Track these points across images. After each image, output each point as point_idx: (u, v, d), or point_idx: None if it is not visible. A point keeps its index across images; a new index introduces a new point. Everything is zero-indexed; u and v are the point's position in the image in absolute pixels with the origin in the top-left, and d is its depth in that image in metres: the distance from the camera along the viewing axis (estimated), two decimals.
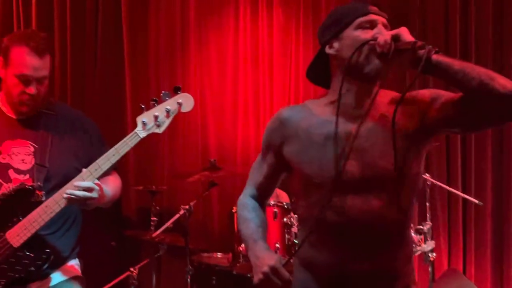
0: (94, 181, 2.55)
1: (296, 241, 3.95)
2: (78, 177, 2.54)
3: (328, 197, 1.93)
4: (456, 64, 1.79)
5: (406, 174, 1.95)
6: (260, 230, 2.17)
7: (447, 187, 4.61)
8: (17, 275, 2.57)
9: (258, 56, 5.30)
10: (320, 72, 2.17)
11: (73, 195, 2.50)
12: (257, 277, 1.94)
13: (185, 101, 2.66)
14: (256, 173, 2.29)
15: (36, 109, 2.75)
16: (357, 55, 1.95)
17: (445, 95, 1.93)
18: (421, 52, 1.80)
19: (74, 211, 2.80)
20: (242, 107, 5.32)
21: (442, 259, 5.07)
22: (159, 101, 2.65)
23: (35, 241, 2.58)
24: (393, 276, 2.01)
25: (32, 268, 2.58)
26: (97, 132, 2.94)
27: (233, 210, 4.14)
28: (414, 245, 4.01)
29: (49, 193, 2.60)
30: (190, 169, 5.06)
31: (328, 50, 2.07)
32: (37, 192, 2.61)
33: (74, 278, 2.79)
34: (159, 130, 2.65)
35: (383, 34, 1.91)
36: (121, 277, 4.48)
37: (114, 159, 2.59)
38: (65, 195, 2.50)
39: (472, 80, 1.75)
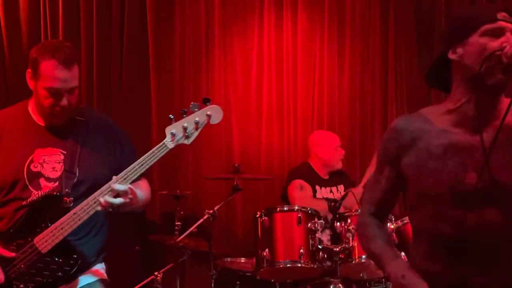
0: (127, 185, 2.56)
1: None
2: (106, 185, 2.54)
3: (442, 210, 1.89)
4: None
5: None
6: (393, 247, 2.12)
7: None
8: (45, 280, 2.59)
9: (282, 62, 5.31)
10: (441, 76, 2.09)
11: (110, 202, 2.51)
12: None
13: (214, 113, 2.65)
14: (374, 189, 2.19)
15: (67, 118, 2.76)
16: (481, 65, 1.87)
17: None
18: None
19: (101, 218, 2.82)
20: (266, 112, 5.32)
21: None
22: (188, 112, 2.64)
23: (63, 247, 2.59)
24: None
25: (60, 274, 2.59)
26: (126, 138, 2.95)
27: (257, 215, 4.13)
28: None
29: (78, 199, 2.61)
30: (214, 174, 5.07)
31: (451, 55, 1.99)
32: (65, 198, 2.62)
33: (100, 281, 2.80)
34: (187, 142, 2.64)
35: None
36: (145, 281, 4.49)
37: (141, 169, 2.59)
38: (102, 201, 2.50)
39: None
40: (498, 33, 1.90)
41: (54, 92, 2.62)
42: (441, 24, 5.27)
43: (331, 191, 4.75)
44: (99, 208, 2.52)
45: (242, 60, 5.34)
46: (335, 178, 4.87)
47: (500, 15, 1.92)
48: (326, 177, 4.85)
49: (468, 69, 1.93)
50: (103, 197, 2.50)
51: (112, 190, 2.51)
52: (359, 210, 3.92)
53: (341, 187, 4.79)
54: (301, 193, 4.63)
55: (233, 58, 5.34)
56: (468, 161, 1.89)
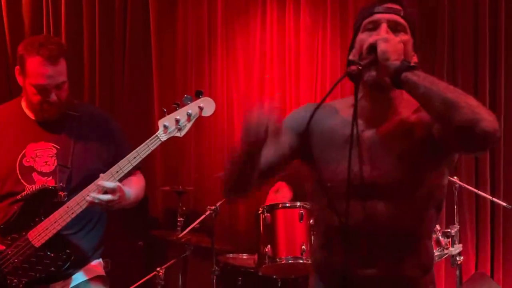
0: (116, 183, 2.55)
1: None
2: (99, 179, 2.54)
3: (336, 201, 1.87)
4: (422, 86, 1.70)
5: (419, 184, 1.87)
6: None
7: (476, 190, 4.55)
8: (37, 275, 2.59)
9: (284, 59, 5.29)
10: None
11: (96, 198, 2.50)
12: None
13: (206, 105, 2.67)
14: (270, 144, 2.03)
15: (59, 113, 2.75)
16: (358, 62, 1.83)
17: None
18: (389, 69, 1.74)
19: (97, 212, 2.81)
20: None
21: (470, 263, 5.01)
22: (181, 105, 2.66)
23: (57, 241, 2.59)
24: (404, 285, 1.93)
25: (53, 268, 2.59)
26: (121, 132, 2.95)
27: (259, 212, 4.12)
28: (441, 249, 3.96)
29: (72, 193, 2.62)
30: (217, 170, 5.05)
31: (350, 57, 1.98)
32: (60, 192, 2.63)
33: (97, 277, 2.80)
34: (180, 134, 2.66)
35: (371, 38, 1.82)
36: (148, 277, 4.49)
37: (135, 162, 2.61)
38: (88, 198, 2.50)
39: (434, 107, 1.69)
40: (375, 26, 1.88)
41: (41, 89, 2.63)
42: (444, 22, 5.24)
43: None
44: (86, 204, 2.52)
45: (245, 56, 5.32)
46: None
47: (379, 8, 1.89)
48: None
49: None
50: (91, 194, 2.50)
51: (100, 187, 2.51)
52: None
53: None
54: (275, 196, 4.62)
55: (236, 54, 5.32)
56: (362, 154, 1.89)
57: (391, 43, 1.77)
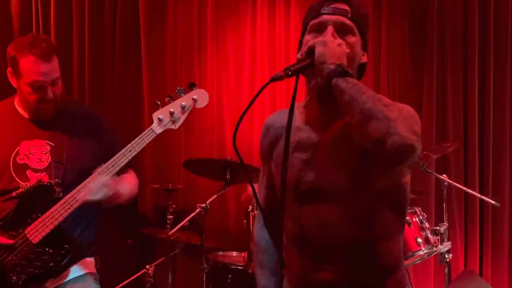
0: (110, 177, 2.56)
1: None
2: (95, 173, 2.55)
3: (283, 206, 1.82)
4: (348, 94, 1.67)
5: (366, 187, 1.83)
6: (272, 276, 2.12)
7: (464, 188, 4.58)
8: (36, 271, 2.59)
9: (275, 55, 5.29)
10: None
11: (86, 201, 2.52)
12: None
13: (200, 97, 2.69)
14: (260, 187, 2.21)
15: (55, 111, 2.75)
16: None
17: None
18: (328, 76, 1.72)
19: (92, 210, 2.81)
20: (258, 106, 5.30)
21: (459, 260, 5.04)
22: (174, 98, 2.69)
23: (55, 237, 2.60)
24: (358, 286, 1.90)
25: (51, 264, 2.60)
26: (113, 129, 2.96)
27: (249, 209, 4.12)
28: (430, 247, 3.96)
29: (67, 189, 2.62)
30: (207, 167, 5.05)
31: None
32: (55, 188, 2.63)
33: (88, 274, 2.80)
34: (175, 126, 2.69)
35: (311, 41, 1.79)
36: (137, 274, 4.49)
37: (130, 155, 2.63)
38: (80, 202, 2.52)
39: (353, 116, 1.69)
40: (321, 27, 1.85)
41: (37, 87, 2.64)
42: (434, 20, 5.26)
43: None
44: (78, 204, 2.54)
45: (235, 54, 5.32)
46: None
47: (326, 9, 1.86)
48: None
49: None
50: (78, 196, 2.53)
51: (96, 181, 2.53)
52: None
53: None
54: None
55: (226, 51, 5.32)
56: (308, 159, 1.88)
57: (329, 46, 1.73)
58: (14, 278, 2.57)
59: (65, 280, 2.71)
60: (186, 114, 2.68)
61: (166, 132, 2.70)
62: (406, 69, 5.36)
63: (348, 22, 1.86)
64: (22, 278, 2.57)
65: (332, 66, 1.71)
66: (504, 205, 5.24)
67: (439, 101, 5.18)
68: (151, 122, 2.69)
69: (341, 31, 1.84)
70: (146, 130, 2.65)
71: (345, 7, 1.87)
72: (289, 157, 1.84)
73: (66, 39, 5.03)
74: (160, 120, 2.65)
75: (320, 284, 1.88)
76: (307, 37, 1.87)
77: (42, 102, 2.67)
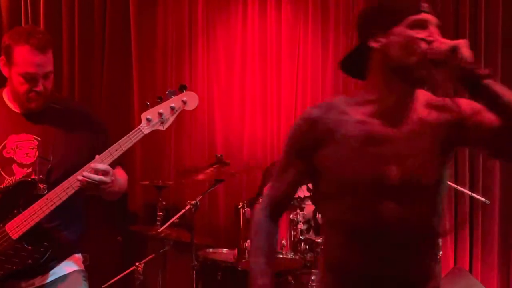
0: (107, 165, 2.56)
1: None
2: (92, 161, 2.55)
3: (366, 202, 1.87)
4: (506, 96, 1.73)
5: (440, 182, 1.91)
6: (268, 268, 2.07)
7: (455, 185, 4.58)
8: (14, 267, 2.57)
9: (266, 53, 5.29)
10: (355, 64, 2.04)
11: (89, 178, 2.50)
12: None
13: (190, 99, 2.70)
14: (279, 180, 2.11)
15: (43, 104, 2.74)
16: (407, 57, 1.85)
17: (484, 112, 1.84)
18: (477, 74, 1.74)
19: (77, 205, 2.79)
20: (249, 103, 5.31)
21: (449, 258, 5.07)
22: (164, 99, 2.69)
23: (35, 234, 2.58)
24: (425, 278, 1.95)
25: (30, 261, 2.58)
26: (102, 127, 2.94)
27: (239, 206, 4.13)
28: None
29: (52, 186, 2.60)
30: (197, 164, 5.06)
31: (372, 43, 1.92)
32: (39, 185, 2.61)
33: (76, 272, 2.79)
34: (163, 127, 2.69)
35: (439, 41, 1.81)
36: (127, 272, 4.48)
37: (116, 154, 2.61)
38: (80, 178, 2.50)
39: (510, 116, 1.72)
40: (422, 24, 1.86)
41: (29, 78, 2.61)
42: None
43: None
44: (77, 185, 2.52)
45: (226, 50, 5.31)
46: None
47: (424, 6, 1.89)
48: None
49: (392, 60, 1.89)
50: (83, 172, 2.51)
51: (93, 169, 2.52)
52: None
53: None
54: None
55: (217, 48, 5.31)
56: (386, 153, 1.88)
57: (468, 49, 1.77)
58: None
59: (53, 278, 2.69)
60: (175, 116, 2.68)
61: (156, 129, 2.70)
62: None
63: (438, 23, 1.91)
64: (0, 274, 2.57)
65: (482, 69, 1.75)
66: (494, 202, 5.28)
67: None
68: (140, 120, 2.69)
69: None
70: (134, 130, 2.65)
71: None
72: (356, 151, 1.88)
73: (55, 35, 4.98)
74: (148, 120, 2.65)
75: (391, 276, 1.90)
76: (410, 32, 1.86)
77: (31, 93, 2.65)
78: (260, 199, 4.04)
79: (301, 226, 4.00)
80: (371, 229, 1.88)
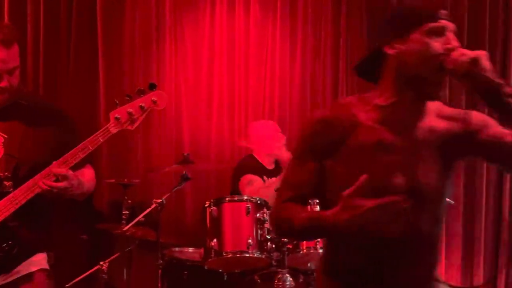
0: (67, 170, 2.54)
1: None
2: (51, 166, 2.53)
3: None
4: None
5: (444, 192, 1.93)
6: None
7: None
8: None
9: (234, 52, 5.32)
10: (370, 68, 2.01)
11: (49, 186, 2.48)
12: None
13: (159, 99, 2.69)
14: (294, 176, 1.99)
15: (9, 100, 2.71)
16: (423, 66, 1.83)
17: (496, 126, 1.85)
18: (504, 94, 1.74)
19: (43, 204, 2.77)
20: (216, 102, 5.33)
21: None
22: (133, 98, 2.66)
23: (0, 232, 2.56)
24: (428, 280, 1.96)
25: None
26: (72, 124, 2.91)
27: (206, 205, 4.13)
28: None
29: (18, 184, 2.58)
30: (164, 162, 5.06)
31: (388, 49, 1.90)
32: (5, 182, 2.59)
33: (41, 270, 2.77)
34: (131, 127, 2.67)
35: (458, 51, 1.79)
36: (91, 270, 4.46)
37: (83, 154, 2.59)
38: (42, 185, 2.48)
39: None
40: (440, 32, 1.85)
41: None
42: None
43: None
44: (38, 190, 2.50)
45: (193, 48, 5.33)
46: (281, 167, 4.86)
47: (442, 13, 1.87)
48: (272, 166, 4.82)
49: (407, 68, 1.87)
50: (43, 180, 2.48)
51: (51, 174, 2.50)
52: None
53: None
54: (251, 188, 4.63)
55: (184, 46, 5.33)
56: (394, 162, 1.87)
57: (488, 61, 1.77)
58: None
59: (16, 277, 2.67)
60: (144, 115, 2.67)
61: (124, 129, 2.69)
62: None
63: (456, 30, 1.89)
64: None
65: (507, 86, 1.76)
66: (458, 203, 5.40)
67: None
68: (107, 117, 2.67)
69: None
70: (101, 129, 2.62)
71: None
72: (366, 159, 1.86)
73: (20, 28, 4.94)
74: (117, 119, 2.62)
75: (397, 280, 1.91)
76: (427, 39, 1.84)
77: None
78: (227, 198, 4.12)
79: (268, 225, 4.02)
80: (377, 236, 1.84)
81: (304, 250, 3.96)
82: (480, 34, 5.39)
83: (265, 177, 4.72)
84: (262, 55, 5.44)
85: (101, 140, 2.62)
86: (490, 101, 1.76)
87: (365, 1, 5.53)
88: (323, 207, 1.99)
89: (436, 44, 1.83)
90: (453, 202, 4.81)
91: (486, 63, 1.75)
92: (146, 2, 5.32)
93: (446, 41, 1.83)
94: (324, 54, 5.60)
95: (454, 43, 1.83)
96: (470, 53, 1.77)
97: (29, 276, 2.70)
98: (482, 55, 1.76)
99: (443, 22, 1.86)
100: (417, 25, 1.86)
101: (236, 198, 4.14)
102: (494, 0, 5.49)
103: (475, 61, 1.75)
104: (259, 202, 4.08)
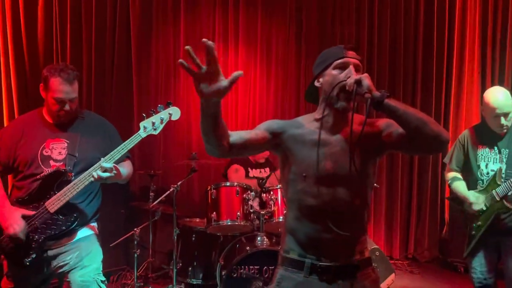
0: (112, 164, 2.56)
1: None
2: (97, 164, 2.55)
3: (309, 187, 1.88)
4: (401, 109, 1.72)
5: (364, 174, 1.91)
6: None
7: None
8: (52, 232, 2.56)
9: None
10: (313, 94, 2.05)
11: (99, 175, 2.51)
12: None
13: (174, 112, 2.74)
14: (242, 132, 1.93)
15: (70, 118, 2.73)
16: (331, 91, 1.87)
17: (395, 125, 1.84)
18: (375, 97, 1.73)
19: (95, 188, 2.79)
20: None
21: None
22: (155, 112, 2.71)
23: (67, 208, 2.57)
24: (354, 242, 1.93)
25: (64, 228, 2.58)
26: (114, 132, 2.93)
27: (208, 189, 4.13)
28: None
29: (77, 175, 2.60)
30: (178, 159, 5.06)
31: (316, 83, 1.98)
32: (68, 174, 2.61)
33: (92, 235, 2.79)
34: (155, 132, 2.71)
35: (351, 77, 1.80)
36: (127, 235, 4.46)
37: (122, 151, 2.62)
38: (94, 175, 2.51)
39: (411, 124, 1.72)
40: (345, 66, 1.90)
41: (59, 101, 2.61)
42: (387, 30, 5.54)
43: (260, 172, 4.78)
44: (92, 179, 2.53)
45: None
46: (263, 162, 4.89)
47: (348, 53, 1.91)
48: (262, 160, 4.80)
49: (325, 93, 1.93)
50: (95, 171, 2.52)
51: (101, 167, 2.53)
52: (278, 186, 4.01)
53: (267, 169, 4.78)
54: (236, 175, 4.66)
55: None
56: (325, 153, 1.90)
57: (369, 79, 1.79)
58: (36, 237, 2.54)
59: (76, 239, 2.69)
60: (164, 124, 2.72)
61: (149, 135, 2.72)
62: None
63: (360, 65, 1.93)
64: (42, 237, 2.54)
65: (379, 92, 1.75)
66: (382, 186, 5.46)
67: None
68: (138, 127, 2.70)
69: (356, 70, 1.90)
70: (134, 135, 2.67)
71: (356, 56, 1.93)
72: (308, 151, 1.91)
73: (78, 68, 4.89)
74: (145, 127, 2.68)
75: (330, 239, 1.89)
76: (334, 72, 1.90)
77: (61, 112, 2.65)
78: (223, 184, 4.12)
79: (251, 203, 4.03)
80: (313, 206, 1.89)
81: (276, 220, 3.95)
82: None
83: (249, 168, 4.74)
84: (247, 84, 5.47)
85: (135, 142, 2.66)
86: (377, 108, 1.76)
87: (318, 46, 5.58)
88: (283, 182, 2.02)
89: (340, 75, 1.88)
90: (378, 186, 4.86)
91: (366, 81, 1.76)
92: (165, 43, 5.31)
93: (347, 72, 1.88)
94: (289, 84, 5.64)
95: (351, 72, 1.86)
96: (355, 76, 1.79)
97: (84, 239, 2.72)
98: (363, 76, 1.77)
99: (346, 59, 1.90)
100: (330, 63, 1.93)
101: (229, 184, 4.12)
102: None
103: (358, 82, 1.77)
104: (245, 186, 4.09)
